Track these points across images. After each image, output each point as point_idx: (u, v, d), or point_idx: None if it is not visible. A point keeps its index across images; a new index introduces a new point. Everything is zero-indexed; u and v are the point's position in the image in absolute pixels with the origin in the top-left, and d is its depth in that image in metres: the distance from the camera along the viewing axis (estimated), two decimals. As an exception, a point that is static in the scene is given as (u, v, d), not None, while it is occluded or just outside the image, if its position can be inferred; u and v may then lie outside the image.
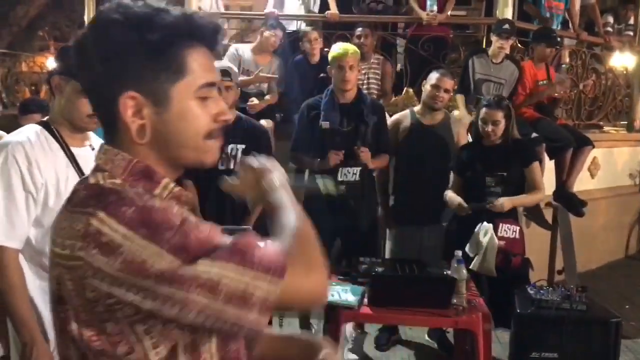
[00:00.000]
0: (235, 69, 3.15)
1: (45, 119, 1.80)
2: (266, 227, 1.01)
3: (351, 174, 3.11)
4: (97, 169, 0.88)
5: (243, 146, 2.99)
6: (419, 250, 3.36)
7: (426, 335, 3.61)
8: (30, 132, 1.69)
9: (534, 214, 4.22)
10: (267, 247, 0.82)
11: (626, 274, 5.41)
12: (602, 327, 2.56)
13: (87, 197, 0.83)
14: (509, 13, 4.82)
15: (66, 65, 1.65)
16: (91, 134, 1.83)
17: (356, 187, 3.13)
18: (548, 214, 4.55)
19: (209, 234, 0.81)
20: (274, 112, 4.44)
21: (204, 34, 0.88)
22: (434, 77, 3.33)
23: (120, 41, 0.83)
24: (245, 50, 4.46)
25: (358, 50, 3.31)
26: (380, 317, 2.57)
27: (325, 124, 3.12)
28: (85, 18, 5.69)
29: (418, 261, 2.83)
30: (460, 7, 5.82)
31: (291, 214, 0.95)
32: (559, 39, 4.66)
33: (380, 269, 2.64)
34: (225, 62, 2.97)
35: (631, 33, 6.32)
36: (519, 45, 4.99)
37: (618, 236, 5.96)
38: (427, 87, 3.35)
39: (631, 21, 6.24)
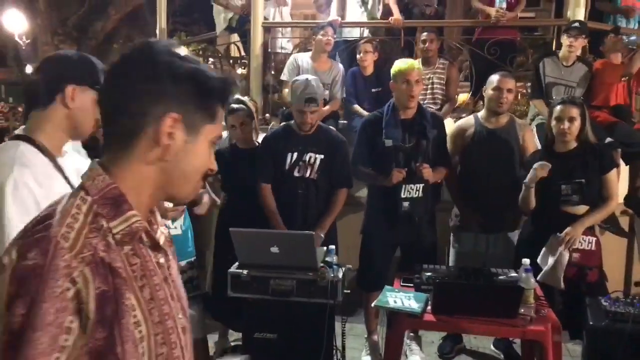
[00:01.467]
0: (321, 91, 3.26)
1: (20, 131, 1.58)
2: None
3: (414, 190, 3.13)
4: (80, 187, 0.92)
5: (322, 156, 3.12)
6: (485, 258, 3.30)
7: (492, 345, 3.54)
8: (19, 150, 1.50)
9: (609, 222, 4.03)
10: None
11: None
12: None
13: (36, 223, 0.89)
14: (580, 13, 4.66)
15: (84, 74, 1.55)
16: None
17: (419, 203, 3.15)
18: (624, 222, 4.34)
19: (44, 329, 0.80)
20: (336, 120, 4.49)
21: (227, 96, 1.00)
22: (494, 79, 3.28)
23: (178, 66, 0.92)
24: (303, 58, 4.54)
25: (419, 65, 3.32)
26: (444, 325, 2.53)
27: (388, 142, 3.15)
28: (157, 31, 5.97)
29: (483, 269, 2.78)
30: (528, 9, 5.68)
31: None
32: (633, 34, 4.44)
33: (444, 277, 2.61)
34: (310, 89, 3.08)
35: None
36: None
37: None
38: (488, 92, 3.29)
39: None
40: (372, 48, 4.55)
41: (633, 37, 5.11)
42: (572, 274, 2.93)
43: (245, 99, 3.42)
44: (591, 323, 2.52)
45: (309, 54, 4.61)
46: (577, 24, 4.05)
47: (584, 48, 4.47)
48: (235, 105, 3.23)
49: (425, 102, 4.44)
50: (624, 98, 4.29)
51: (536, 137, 3.71)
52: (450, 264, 3.43)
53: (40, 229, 0.86)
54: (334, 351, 2.69)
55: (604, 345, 2.49)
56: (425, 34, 4.55)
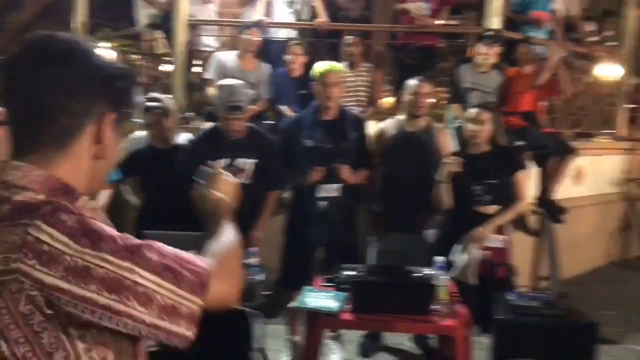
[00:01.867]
0: (246, 97, 3.21)
1: None
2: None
3: (332, 190, 3.18)
4: (9, 186, 0.86)
5: (255, 160, 3.12)
6: (404, 257, 3.39)
7: (409, 342, 3.64)
8: None
9: (519, 220, 4.27)
10: (195, 265, 0.90)
11: (609, 280, 5.49)
12: (580, 332, 2.60)
13: (15, 211, 0.83)
14: (496, 22, 4.90)
15: None
16: None
17: (337, 203, 3.19)
18: (533, 221, 4.61)
19: (137, 242, 0.86)
20: (262, 120, 4.47)
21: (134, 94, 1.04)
22: (411, 84, 3.40)
23: (109, 65, 0.94)
24: (229, 57, 4.49)
25: (342, 68, 3.38)
26: (362, 324, 2.59)
27: (308, 142, 3.20)
28: (76, 25, 5.71)
29: (401, 268, 2.86)
30: (453, 17, 5.89)
31: (228, 231, 1.11)
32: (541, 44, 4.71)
33: (362, 275, 2.67)
34: (235, 97, 3.03)
35: (613, 43, 6.42)
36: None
37: (602, 243, 6.04)
38: (406, 96, 3.41)
39: (610, 32, 6.33)
40: (301, 50, 4.58)
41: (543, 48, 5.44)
42: (482, 270, 3.08)
43: (163, 96, 3.34)
44: (498, 317, 2.66)
45: (235, 52, 4.57)
46: (491, 33, 4.26)
47: (499, 56, 4.71)
48: (151, 104, 3.15)
49: (350, 104, 4.52)
50: (533, 105, 4.54)
51: (453, 139, 3.88)
52: (371, 263, 3.51)
53: (32, 211, 0.82)
54: (252, 354, 2.68)
55: (510, 337, 2.63)
56: (349, 37, 4.63)
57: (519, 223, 4.27)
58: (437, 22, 5.19)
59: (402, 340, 3.69)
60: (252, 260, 2.67)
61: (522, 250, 4.60)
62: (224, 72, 4.27)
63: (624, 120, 6.43)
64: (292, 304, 2.62)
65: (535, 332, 2.57)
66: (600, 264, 5.98)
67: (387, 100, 5.37)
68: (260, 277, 2.62)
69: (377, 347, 3.57)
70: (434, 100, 3.53)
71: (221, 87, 3.20)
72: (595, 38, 6.05)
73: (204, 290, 0.89)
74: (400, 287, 2.54)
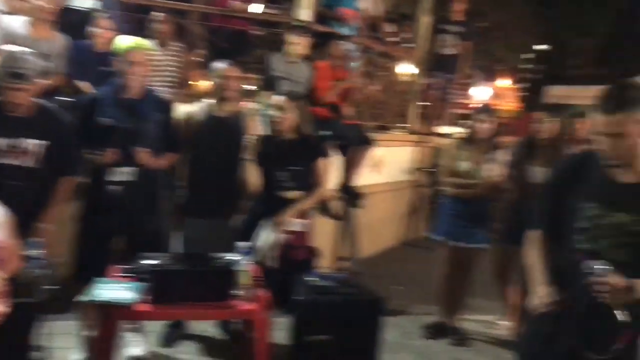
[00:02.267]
0: (36, 66, 2.76)
1: None
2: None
3: (126, 174, 3.01)
4: None
5: (44, 142, 2.76)
6: (214, 243, 3.37)
7: (214, 327, 3.63)
8: None
9: (322, 205, 4.51)
10: None
11: (400, 258, 6.12)
12: (368, 307, 2.85)
13: None
14: (306, 14, 5.07)
15: None
16: None
17: (133, 188, 3.03)
18: (335, 206, 4.90)
19: None
20: (56, 97, 4.04)
21: None
22: (219, 67, 3.37)
23: None
24: (17, 23, 3.96)
25: (150, 46, 3.21)
26: (159, 314, 2.50)
27: (105, 121, 2.98)
28: None
29: (204, 255, 2.83)
30: (272, 6, 5.95)
31: None
32: (350, 42, 5.01)
33: (161, 265, 2.57)
34: (20, 63, 2.63)
35: (410, 45, 7.12)
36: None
37: (395, 225, 6.70)
38: (214, 80, 3.37)
39: (407, 35, 7.02)
40: (108, 24, 4.23)
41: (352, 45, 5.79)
42: (283, 253, 3.19)
43: None
44: (297, 297, 2.78)
45: (25, 18, 4.04)
46: (301, 24, 4.40)
47: (309, 47, 4.89)
48: None
49: (158, 84, 4.33)
50: (338, 98, 4.81)
51: (263, 126, 3.94)
52: (176, 251, 3.42)
53: None
54: (33, 353, 2.43)
55: (308, 316, 2.78)
56: (157, 14, 4.41)
57: (322, 208, 4.50)
58: (252, 8, 5.21)
59: (206, 327, 3.66)
60: (34, 253, 2.40)
61: (325, 233, 4.89)
62: (9, 39, 3.75)
63: (416, 116, 7.19)
64: (83, 298, 2.41)
65: (329, 310, 2.74)
66: (393, 244, 6.64)
67: (202, 83, 5.25)
68: (44, 270, 2.37)
69: (180, 335, 3.49)
70: (242, 84, 3.52)
71: (3, 52, 2.80)
72: (395, 39, 6.63)
73: None
74: (200, 274, 2.51)
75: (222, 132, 3.38)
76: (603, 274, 1.71)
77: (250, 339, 2.76)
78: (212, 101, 3.45)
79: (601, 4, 11.65)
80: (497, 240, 3.83)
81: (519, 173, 3.80)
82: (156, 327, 3.48)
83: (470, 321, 4.22)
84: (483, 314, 4.31)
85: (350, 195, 4.93)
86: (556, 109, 3.84)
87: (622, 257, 1.77)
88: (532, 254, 2.05)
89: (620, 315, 1.69)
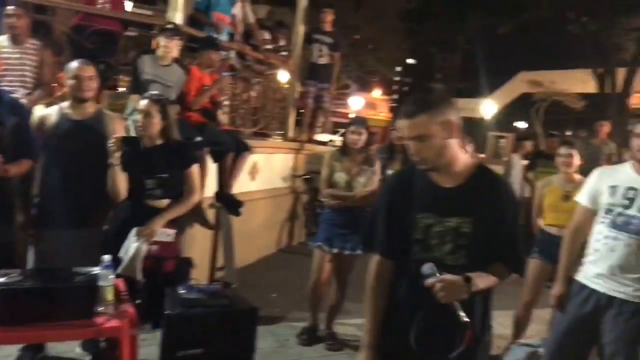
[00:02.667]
0: None
1: None
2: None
3: None
4: None
5: None
6: (72, 256, 3.12)
7: (78, 348, 3.37)
8: None
9: (196, 214, 4.38)
10: None
11: (277, 265, 6.13)
12: (241, 317, 2.78)
13: None
14: (178, 17, 4.92)
15: None
16: None
17: None
18: (211, 215, 4.80)
19: None
20: None
21: None
22: (73, 67, 3.16)
23: None
24: None
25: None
26: (7, 338, 2.25)
27: None
28: None
29: (62, 269, 2.60)
30: (147, 7, 5.70)
31: None
32: (223, 48, 4.94)
33: (11, 282, 2.31)
34: None
35: (285, 53, 7.21)
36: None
37: (273, 232, 6.71)
38: (68, 81, 3.15)
39: (282, 42, 7.11)
40: None
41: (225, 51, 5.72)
42: (149, 265, 3.05)
43: None
44: (167, 312, 2.66)
45: None
46: (171, 26, 4.25)
47: (181, 50, 4.75)
48: None
49: (14, 85, 3.96)
50: (211, 102, 4.72)
51: (132, 131, 3.74)
52: (30, 266, 3.13)
53: None
54: None
55: (178, 331, 2.65)
56: (10, 7, 4.03)
57: (197, 216, 4.38)
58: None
59: (70, 347, 3.38)
60: None
61: (200, 243, 4.76)
62: None
63: (292, 123, 7.27)
64: None
65: (201, 323, 2.65)
66: (271, 251, 6.63)
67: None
68: None
69: (38, 358, 3.18)
70: (97, 84, 3.30)
71: None
72: (270, 46, 6.66)
73: None
74: (55, 291, 2.29)
75: (77, 135, 3.15)
76: (432, 274, 1.73)
77: (116, 357, 2.59)
78: (67, 103, 3.22)
79: (462, 20, 12.68)
80: (364, 249, 3.94)
81: (383, 178, 3.99)
82: (12, 350, 3.15)
83: (346, 325, 4.33)
84: (357, 317, 4.43)
85: (228, 203, 4.85)
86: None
87: (460, 261, 1.82)
88: (370, 299, 1.99)
89: (462, 314, 1.70)
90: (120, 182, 3.04)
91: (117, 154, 2.93)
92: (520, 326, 4.12)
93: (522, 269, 1.99)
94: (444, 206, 1.85)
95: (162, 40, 4.18)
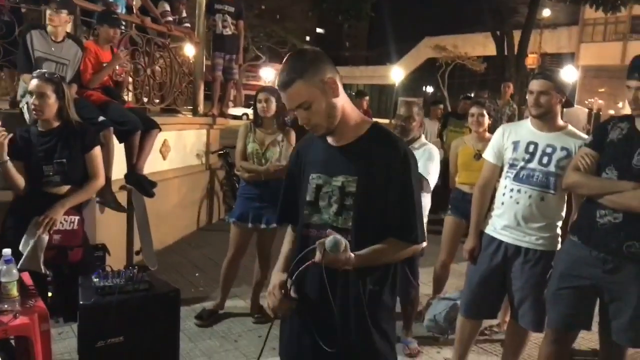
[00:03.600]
0: None
1: None
2: None
3: None
4: None
5: None
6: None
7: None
8: None
9: (106, 198, 4.16)
10: None
11: (198, 244, 6.00)
12: (162, 300, 2.71)
13: None
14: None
15: None
16: None
17: None
18: (122, 197, 4.58)
19: None
20: None
21: None
22: None
23: None
24: None
25: None
26: None
27: None
28: None
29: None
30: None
31: None
32: (122, 22, 4.65)
33: None
34: None
35: (188, 25, 6.93)
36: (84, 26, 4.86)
37: (191, 211, 6.54)
38: None
39: (184, 14, 6.81)
40: None
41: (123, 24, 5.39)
42: (52, 256, 2.89)
43: None
44: (81, 302, 2.53)
45: None
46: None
47: (74, 25, 4.43)
48: None
49: None
50: (113, 80, 4.46)
51: (26, 113, 3.46)
52: None
53: None
54: None
55: (95, 320, 2.54)
56: None
57: (107, 200, 4.16)
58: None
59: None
60: None
61: (115, 228, 4.55)
62: None
63: (202, 98, 7.05)
64: None
65: (119, 310, 2.54)
66: (191, 230, 6.48)
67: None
68: None
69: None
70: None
71: None
72: (170, 18, 6.35)
73: None
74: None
75: None
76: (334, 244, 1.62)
77: (29, 356, 2.44)
78: None
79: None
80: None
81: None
82: None
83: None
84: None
85: (140, 184, 4.64)
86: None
87: (347, 223, 1.74)
88: (282, 248, 2.00)
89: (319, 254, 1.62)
90: (14, 174, 2.80)
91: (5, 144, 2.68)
92: (439, 282, 4.32)
93: (414, 236, 1.77)
94: (331, 165, 1.78)
95: (50, 14, 3.85)
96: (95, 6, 5.00)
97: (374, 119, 2.02)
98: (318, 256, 1.63)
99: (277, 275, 1.87)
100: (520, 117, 8.35)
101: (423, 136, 3.60)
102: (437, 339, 3.84)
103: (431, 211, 3.62)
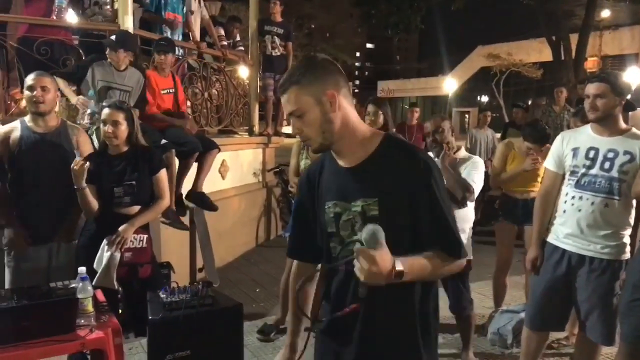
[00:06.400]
0: None
1: None
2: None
3: None
4: None
5: None
6: (49, 272, 3.09)
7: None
8: None
9: (169, 217, 4.34)
10: None
11: (257, 261, 6.12)
12: (226, 314, 2.78)
13: None
14: (129, 21, 4.82)
15: None
16: None
17: None
18: (185, 217, 4.75)
19: None
20: None
21: None
22: (29, 79, 3.10)
23: None
24: None
25: None
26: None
27: None
28: None
29: (40, 287, 2.55)
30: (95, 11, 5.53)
31: None
32: (172, 48, 4.84)
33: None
34: None
35: (241, 48, 7.15)
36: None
37: (249, 228, 6.69)
38: (25, 93, 3.10)
39: (237, 37, 7.04)
40: None
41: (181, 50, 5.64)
42: (124, 273, 3.03)
43: None
44: (150, 317, 2.64)
45: None
46: (115, 38, 4.14)
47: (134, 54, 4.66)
48: None
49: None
50: (169, 103, 4.66)
51: (95, 140, 3.67)
52: (7, 285, 3.07)
53: None
54: None
55: (163, 335, 2.64)
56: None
57: (170, 219, 4.34)
58: (69, 18, 4.84)
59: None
60: None
61: (178, 246, 4.72)
62: None
63: (257, 118, 7.23)
64: None
65: (185, 325, 2.63)
66: (250, 247, 6.62)
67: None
68: None
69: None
70: (59, 96, 3.25)
71: None
72: (226, 42, 6.59)
73: None
74: (37, 308, 2.25)
75: (42, 149, 3.09)
76: (372, 244, 1.36)
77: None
78: (30, 117, 3.15)
79: (414, 1, 12.75)
80: None
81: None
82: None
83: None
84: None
85: (201, 202, 4.81)
86: (381, 102, 4.04)
87: None
88: (290, 299, 1.93)
89: (362, 290, 1.43)
90: (91, 199, 2.98)
91: (80, 174, 2.86)
92: (499, 293, 4.22)
93: (457, 250, 1.57)
94: (347, 189, 1.59)
95: (108, 53, 4.07)
96: (153, 35, 5.25)
97: None
98: (362, 292, 1.43)
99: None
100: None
101: (463, 148, 3.54)
102: (502, 354, 3.75)
103: (480, 223, 3.55)
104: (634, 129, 2.76)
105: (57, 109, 3.39)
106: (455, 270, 1.61)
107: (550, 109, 7.68)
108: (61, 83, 3.87)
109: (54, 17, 4.80)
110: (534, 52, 29.99)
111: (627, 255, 2.75)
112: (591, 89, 2.71)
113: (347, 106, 1.57)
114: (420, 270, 1.49)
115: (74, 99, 4.02)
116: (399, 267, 1.40)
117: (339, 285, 1.66)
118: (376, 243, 1.36)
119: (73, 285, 2.58)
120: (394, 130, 3.95)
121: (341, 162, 1.62)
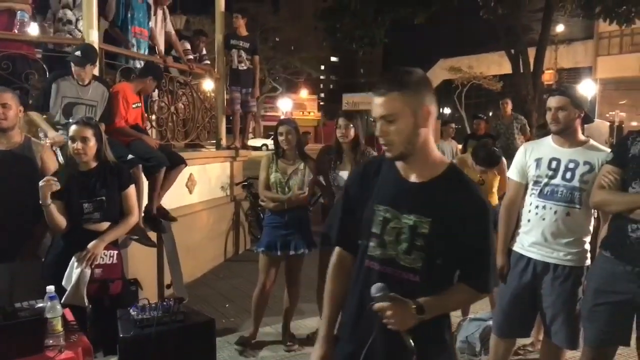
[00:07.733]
0: None
1: None
2: None
3: None
4: None
5: None
6: (12, 291, 3.00)
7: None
8: None
9: (137, 233, 4.27)
10: None
11: (226, 275, 6.07)
12: (199, 330, 2.76)
13: None
14: (94, 35, 4.76)
15: None
16: None
17: None
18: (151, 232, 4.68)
19: None
20: None
21: None
22: None
23: None
24: None
25: None
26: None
27: None
28: None
29: (3, 307, 2.48)
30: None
31: None
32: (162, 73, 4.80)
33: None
34: None
35: (208, 62, 7.14)
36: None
37: (218, 243, 6.63)
38: None
39: (204, 51, 7.03)
40: None
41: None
42: (94, 289, 2.98)
43: None
44: (121, 335, 2.60)
45: None
46: (78, 53, 4.05)
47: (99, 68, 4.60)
48: None
49: None
50: (137, 118, 4.61)
51: (59, 155, 3.60)
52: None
53: None
54: None
55: (134, 352, 2.60)
56: None
57: (138, 234, 4.27)
58: (31, 30, 4.75)
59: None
60: None
61: (145, 262, 4.64)
62: None
63: (224, 131, 7.21)
64: None
65: (157, 342, 2.60)
66: (219, 262, 6.55)
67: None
68: None
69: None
70: (20, 110, 3.19)
71: None
72: (191, 56, 6.56)
73: None
74: (2, 330, 2.19)
75: (5, 166, 3.04)
76: (383, 299, 1.58)
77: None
78: None
79: (379, 14, 12.94)
80: (322, 243, 3.84)
81: (326, 178, 4.05)
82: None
83: (301, 326, 4.36)
84: (312, 316, 4.45)
85: (164, 218, 4.74)
86: (352, 115, 4.11)
87: (416, 263, 1.65)
88: (327, 286, 1.90)
89: (409, 341, 1.56)
90: (57, 215, 2.92)
91: (45, 192, 2.80)
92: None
93: (488, 287, 1.74)
94: (403, 201, 1.68)
95: (75, 70, 3.99)
96: (119, 49, 5.20)
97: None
98: (408, 341, 1.57)
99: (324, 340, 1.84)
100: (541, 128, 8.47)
101: None
102: (470, 361, 3.82)
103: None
104: (591, 141, 2.88)
105: (20, 124, 3.32)
106: (474, 302, 1.79)
107: (499, 120, 8.16)
108: (36, 117, 3.79)
109: (16, 31, 4.71)
110: (494, 65, 30.87)
111: (588, 262, 2.85)
112: (553, 102, 2.82)
113: (431, 125, 1.68)
114: (442, 306, 1.69)
115: (52, 134, 3.84)
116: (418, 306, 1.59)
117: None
118: (386, 297, 1.57)
119: (40, 304, 2.52)
120: (364, 142, 4.00)
121: (405, 174, 1.72)
